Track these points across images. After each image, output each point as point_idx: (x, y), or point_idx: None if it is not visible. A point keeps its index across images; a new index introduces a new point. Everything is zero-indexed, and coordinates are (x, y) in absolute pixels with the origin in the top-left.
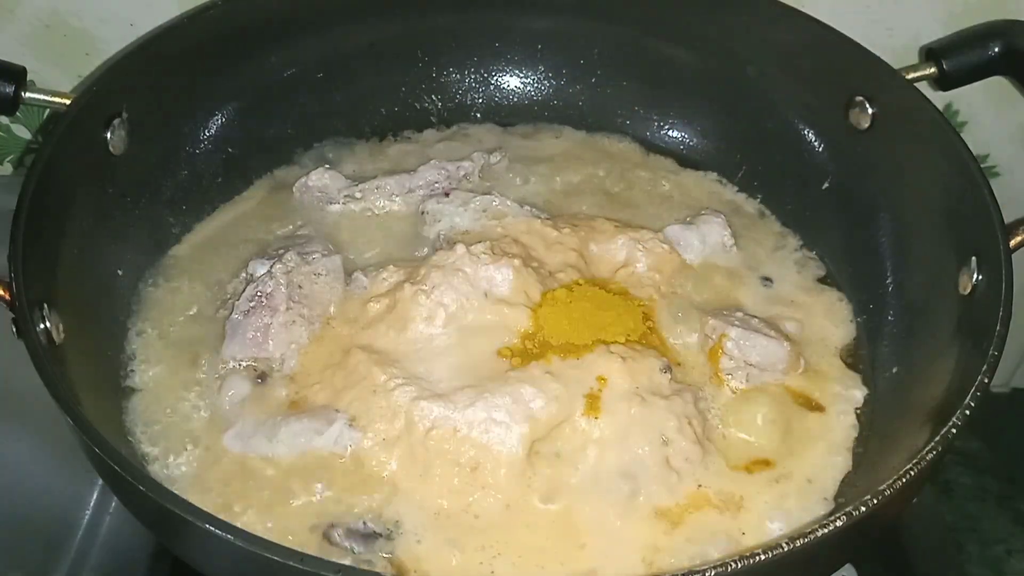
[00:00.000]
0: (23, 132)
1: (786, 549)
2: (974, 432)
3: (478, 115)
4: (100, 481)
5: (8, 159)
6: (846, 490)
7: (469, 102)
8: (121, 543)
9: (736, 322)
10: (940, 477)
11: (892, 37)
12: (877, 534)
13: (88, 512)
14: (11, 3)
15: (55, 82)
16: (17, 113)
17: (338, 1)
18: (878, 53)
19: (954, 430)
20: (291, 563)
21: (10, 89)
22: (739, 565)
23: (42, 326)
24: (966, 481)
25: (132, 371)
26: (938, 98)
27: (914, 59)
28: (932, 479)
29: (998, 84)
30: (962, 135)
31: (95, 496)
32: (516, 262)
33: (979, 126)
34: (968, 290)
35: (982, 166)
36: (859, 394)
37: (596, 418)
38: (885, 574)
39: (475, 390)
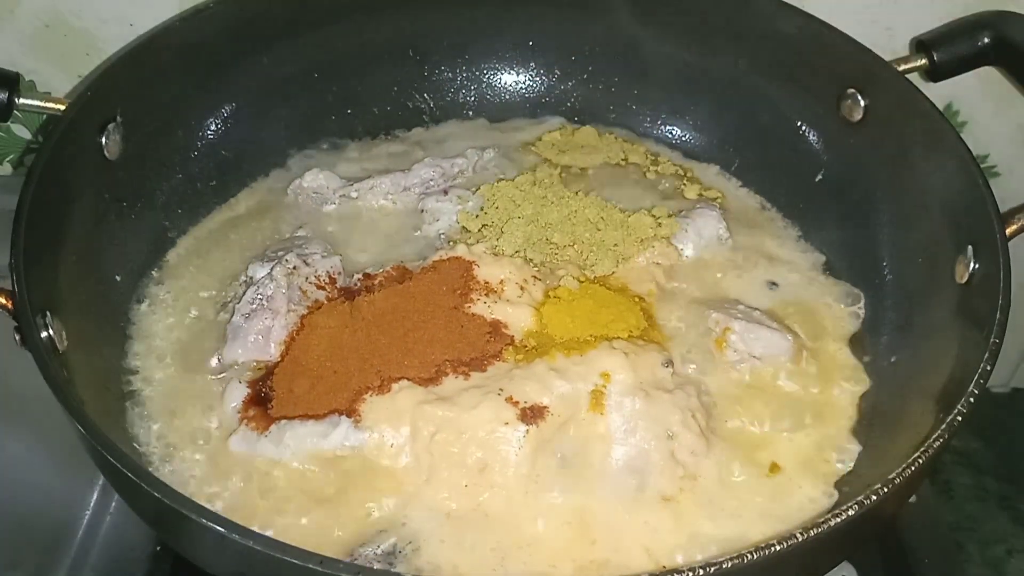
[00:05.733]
0: (23, 132)
1: (800, 540)
2: (974, 432)
3: (470, 113)
4: (100, 481)
5: (8, 159)
6: (850, 480)
7: (461, 100)
8: (121, 543)
9: (739, 315)
10: (940, 477)
11: (892, 37)
12: (880, 526)
13: (88, 512)
14: (11, 3)
15: (55, 82)
16: (16, 112)
17: (329, 2)
18: (878, 52)
19: (959, 418)
20: (310, 566)
21: (3, 96)
22: (754, 556)
23: (45, 334)
24: (966, 481)
25: (134, 376)
26: (938, 98)
27: None
28: (931, 476)
29: (998, 84)
30: (962, 135)
31: (95, 496)
32: (518, 260)
33: (979, 126)
34: (965, 279)
35: (982, 166)
36: (861, 384)
37: (601, 414)
38: (885, 574)
39: (480, 390)
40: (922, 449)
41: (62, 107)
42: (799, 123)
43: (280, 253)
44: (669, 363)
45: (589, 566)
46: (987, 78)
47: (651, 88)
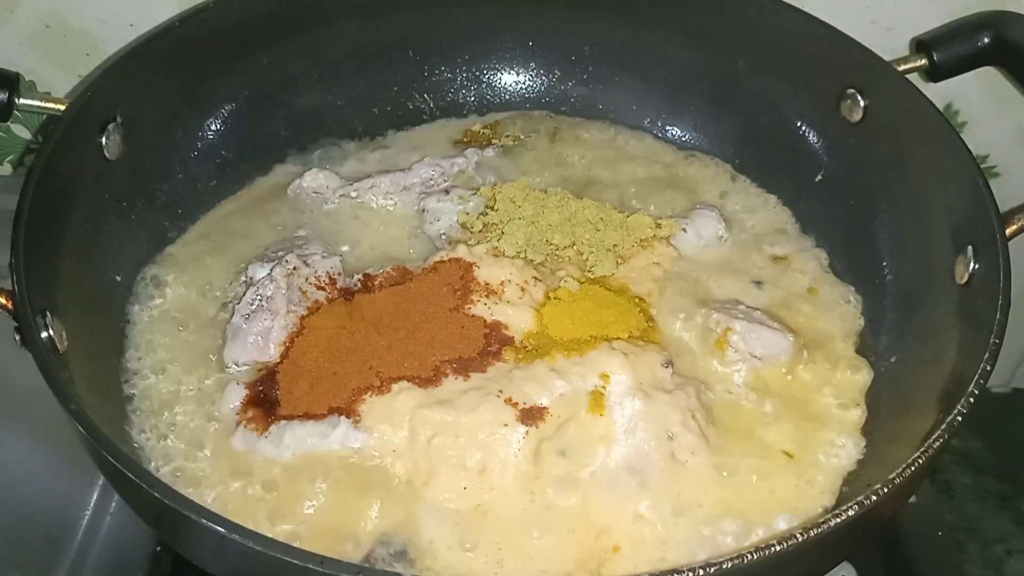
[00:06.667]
0: (23, 132)
1: (800, 540)
2: (974, 432)
3: (470, 113)
4: (100, 481)
5: (8, 159)
6: (850, 480)
7: (461, 100)
8: (121, 543)
9: (740, 315)
10: (940, 477)
11: (892, 37)
12: (880, 526)
13: (88, 512)
14: (11, 3)
15: (55, 82)
16: (16, 112)
17: (329, 2)
18: (878, 53)
19: (959, 418)
20: (310, 566)
21: (3, 96)
22: (755, 556)
23: (45, 334)
24: (966, 481)
25: (134, 376)
26: (938, 98)
27: None
28: (931, 476)
29: (998, 85)
30: (962, 135)
31: (95, 496)
32: (519, 261)
33: (979, 126)
34: (965, 279)
35: (982, 166)
36: (862, 384)
37: (601, 415)
38: (885, 574)
39: (480, 392)
40: (922, 449)
41: (62, 107)
42: (799, 123)
43: (280, 253)
44: (669, 363)
45: (589, 566)
46: (987, 78)
47: (651, 88)
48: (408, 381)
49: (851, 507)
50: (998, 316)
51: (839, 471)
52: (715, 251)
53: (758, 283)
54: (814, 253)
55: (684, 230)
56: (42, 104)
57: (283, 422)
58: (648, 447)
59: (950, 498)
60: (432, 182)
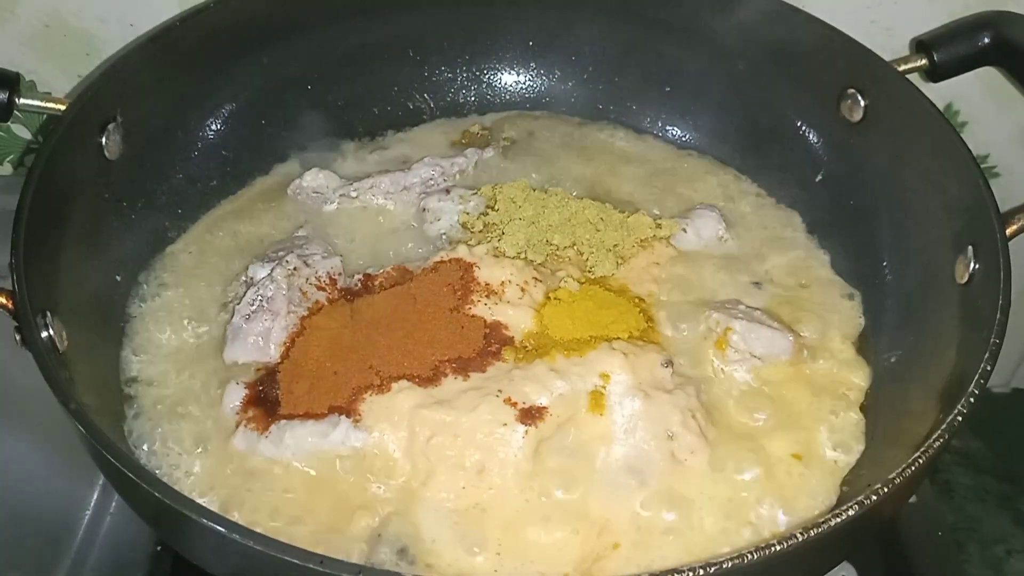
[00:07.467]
0: (23, 132)
1: (800, 540)
2: (974, 432)
3: (470, 113)
4: (100, 481)
5: (8, 159)
6: (850, 480)
7: (461, 100)
8: (121, 543)
9: (740, 315)
10: (940, 477)
11: (892, 37)
12: (880, 526)
13: (88, 512)
14: (11, 3)
15: (55, 82)
16: (17, 112)
17: (329, 2)
18: (878, 53)
19: (960, 418)
20: (311, 565)
21: (3, 96)
22: (755, 556)
23: (45, 334)
24: (966, 481)
25: (134, 376)
26: (939, 98)
27: None
28: (931, 476)
29: (998, 84)
30: (962, 135)
31: (95, 496)
32: (519, 262)
33: (979, 126)
34: (965, 279)
35: (982, 166)
36: (862, 383)
37: (601, 415)
38: (885, 574)
39: (479, 392)
40: (922, 449)
41: (62, 107)
42: (799, 123)
43: (280, 254)
44: (669, 363)
45: (588, 565)
46: (987, 78)
47: (651, 88)
48: (408, 381)
49: (851, 507)
50: (998, 316)
51: (839, 471)
52: (715, 251)
53: (758, 283)
54: (814, 253)
55: (684, 230)
56: (42, 104)
57: (283, 422)
58: (648, 447)
59: (950, 498)
60: (432, 182)
